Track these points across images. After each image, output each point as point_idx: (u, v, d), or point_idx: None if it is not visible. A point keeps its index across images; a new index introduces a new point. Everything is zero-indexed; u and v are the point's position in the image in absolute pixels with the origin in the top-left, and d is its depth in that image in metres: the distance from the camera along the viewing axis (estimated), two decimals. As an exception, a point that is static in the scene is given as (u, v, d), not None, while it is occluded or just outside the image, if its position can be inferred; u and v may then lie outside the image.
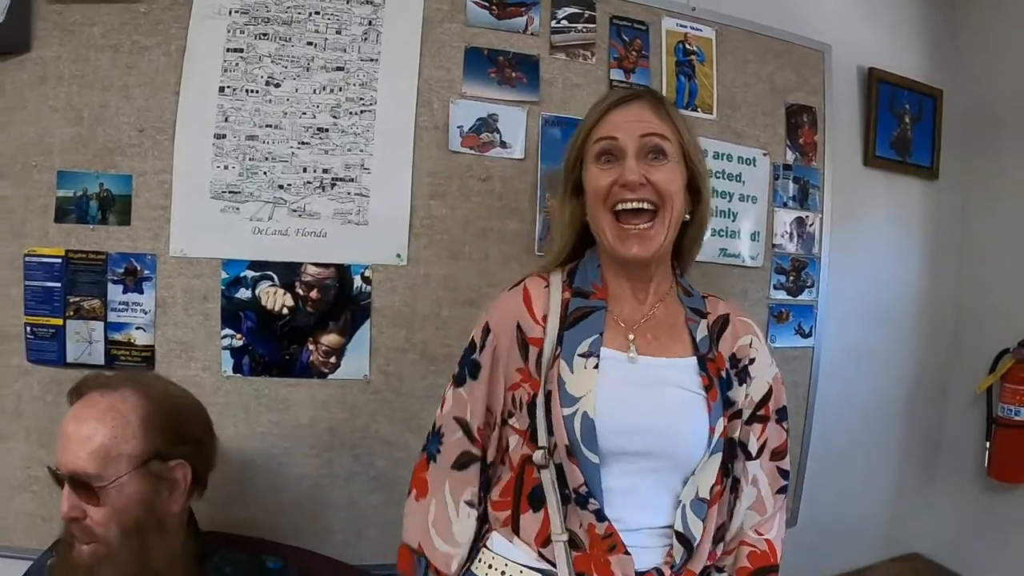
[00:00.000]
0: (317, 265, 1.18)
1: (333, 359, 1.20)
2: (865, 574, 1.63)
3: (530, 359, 0.82)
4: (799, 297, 1.42)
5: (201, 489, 0.95)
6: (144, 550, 0.84)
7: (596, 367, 0.78)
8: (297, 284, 1.18)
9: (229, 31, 1.19)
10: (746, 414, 0.84)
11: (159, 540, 0.86)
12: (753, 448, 0.85)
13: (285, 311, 1.18)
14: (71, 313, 1.20)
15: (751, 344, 0.86)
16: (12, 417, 1.24)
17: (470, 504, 0.86)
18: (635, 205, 0.79)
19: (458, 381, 0.87)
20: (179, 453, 0.89)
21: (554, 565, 0.78)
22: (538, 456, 0.78)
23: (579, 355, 0.79)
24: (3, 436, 1.24)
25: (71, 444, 0.83)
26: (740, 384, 0.84)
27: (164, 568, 0.86)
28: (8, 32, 1.17)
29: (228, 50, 1.19)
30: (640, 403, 0.78)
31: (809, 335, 1.43)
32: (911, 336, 1.63)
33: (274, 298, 1.18)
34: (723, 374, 0.83)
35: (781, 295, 1.41)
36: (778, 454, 0.87)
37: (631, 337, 0.82)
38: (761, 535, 0.86)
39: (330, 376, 1.20)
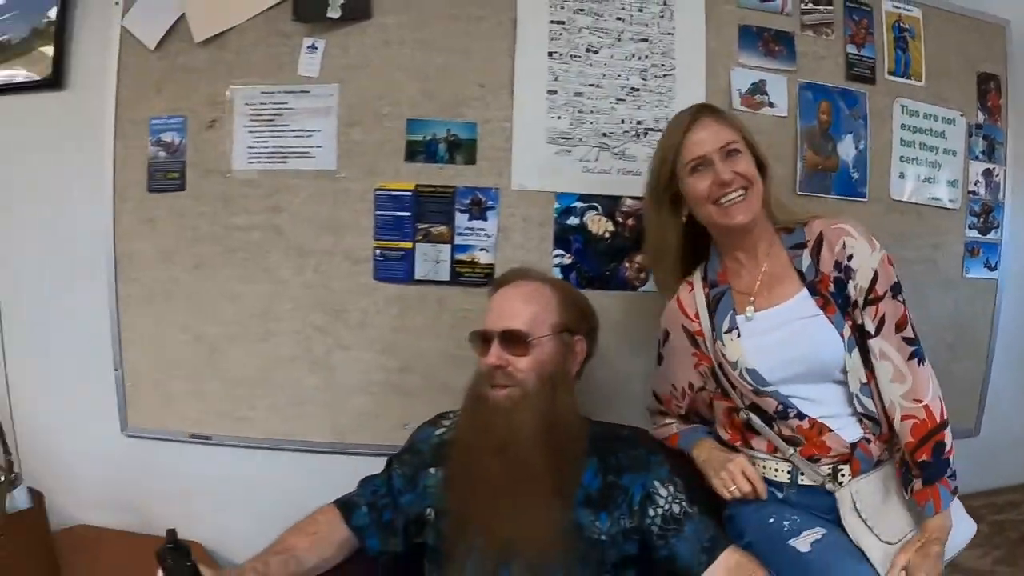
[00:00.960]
0: (633, 198, 1.43)
1: (643, 275, 1.45)
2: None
3: (699, 344, 1.13)
4: (987, 236, 1.69)
5: (578, 374, 1.14)
6: (553, 397, 1.01)
7: (738, 336, 1.07)
8: (617, 213, 1.44)
9: (551, 6, 1.44)
10: (861, 301, 1.01)
11: (564, 392, 1.04)
12: (871, 327, 1.00)
13: (607, 235, 1.44)
14: (420, 237, 1.44)
15: (844, 245, 1.03)
16: (357, 329, 1.47)
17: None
18: (734, 196, 1.02)
19: (656, 363, 1.26)
20: (581, 330, 1.11)
21: (784, 459, 1.06)
22: (743, 415, 1.09)
23: (724, 332, 1.08)
24: (347, 346, 1.47)
25: (505, 310, 1.05)
26: (848, 281, 1.02)
27: (565, 418, 1.02)
28: (352, 3, 1.41)
29: (552, 22, 1.44)
30: (771, 346, 1.04)
31: (995, 269, 1.70)
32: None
33: (599, 224, 1.44)
34: (831, 289, 1.02)
35: (973, 234, 1.67)
36: (900, 326, 1.00)
37: (752, 300, 1.08)
38: (919, 402, 0.97)
39: (640, 289, 1.46)
